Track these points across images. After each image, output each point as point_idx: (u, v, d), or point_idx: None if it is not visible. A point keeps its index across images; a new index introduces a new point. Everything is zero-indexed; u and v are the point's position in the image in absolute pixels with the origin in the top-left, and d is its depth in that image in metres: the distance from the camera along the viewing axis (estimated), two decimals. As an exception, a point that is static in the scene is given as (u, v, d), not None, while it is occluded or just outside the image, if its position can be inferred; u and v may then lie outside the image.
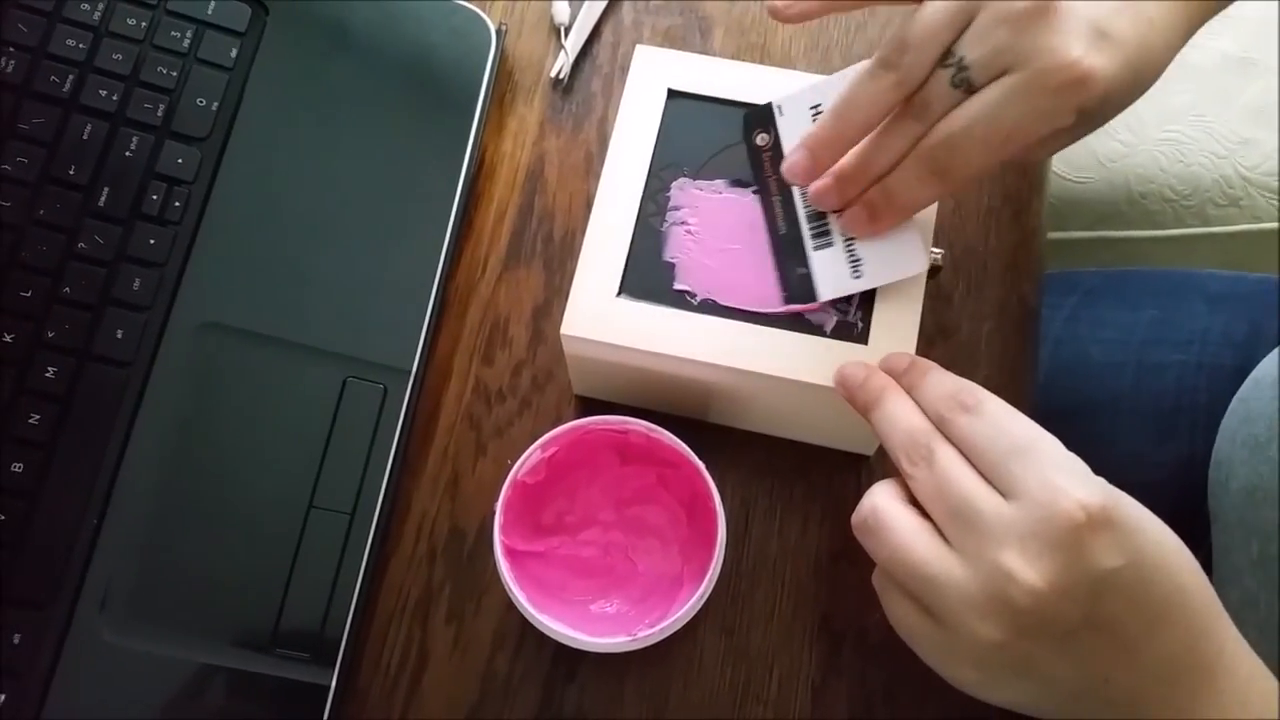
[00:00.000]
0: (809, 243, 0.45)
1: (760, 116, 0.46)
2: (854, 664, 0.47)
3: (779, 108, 0.46)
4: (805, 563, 0.48)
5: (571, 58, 0.55)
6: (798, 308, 0.45)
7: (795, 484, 0.49)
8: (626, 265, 0.45)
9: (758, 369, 0.44)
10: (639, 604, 0.46)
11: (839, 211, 0.44)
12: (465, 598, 0.48)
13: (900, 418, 0.40)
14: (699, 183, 0.47)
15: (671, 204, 0.47)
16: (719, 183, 0.47)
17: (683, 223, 0.46)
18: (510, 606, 0.45)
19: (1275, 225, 0.84)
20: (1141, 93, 0.44)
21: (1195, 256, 0.85)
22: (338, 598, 0.46)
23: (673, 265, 0.46)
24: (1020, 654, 0.36)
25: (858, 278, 0.44)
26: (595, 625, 0.44)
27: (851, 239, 0.45)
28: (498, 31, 0.54)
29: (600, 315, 0.44)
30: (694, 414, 0.49)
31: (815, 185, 0.44)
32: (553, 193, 0.54)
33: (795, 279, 0.45)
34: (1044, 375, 0.66)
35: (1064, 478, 0.36)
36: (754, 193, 0.47)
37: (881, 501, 0.39)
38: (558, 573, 0.46)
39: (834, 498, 0.49)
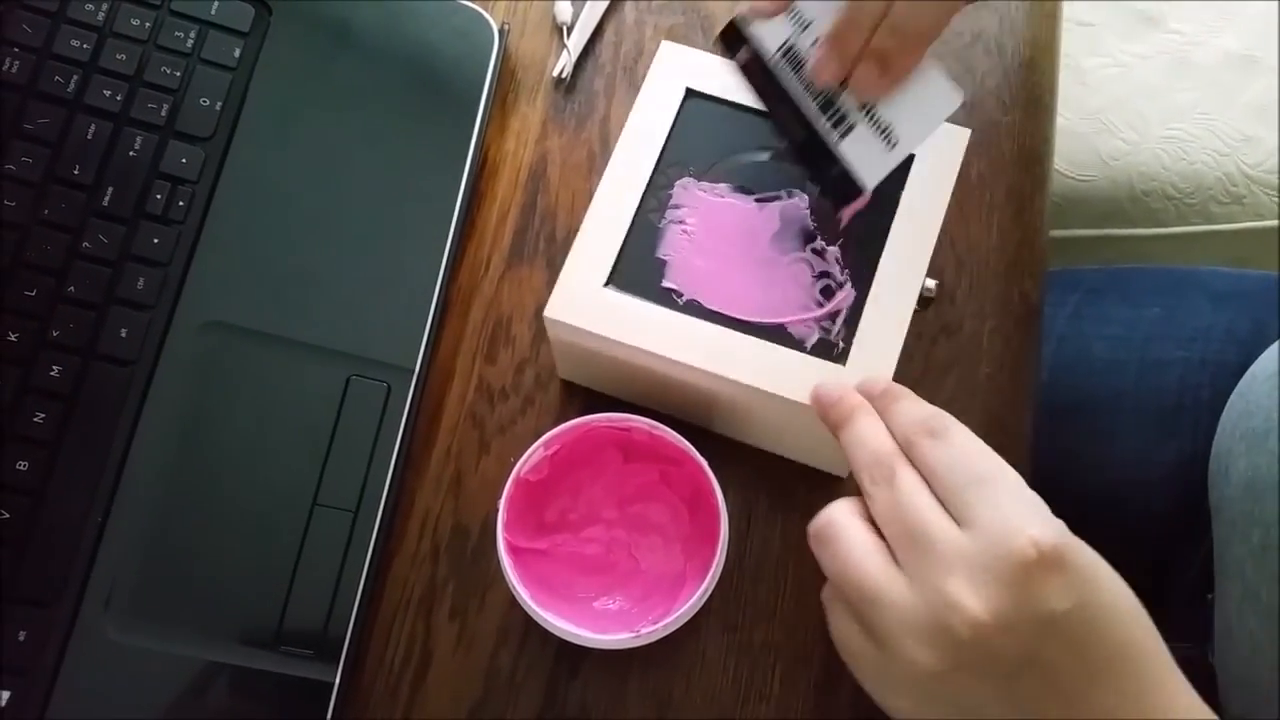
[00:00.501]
0: (832, 137, 0.43)
1: (731, 37, 0.45)
2: (857, 661, 0.47)
3: (743, 19, 0.44)
4: (808, 560, 0.48)
5: (574, 57, 0.56)
6: (849, 209, 0.44)
7: (798, 481, 0.49)
8: (618, 256, 0.46)
9: (730, 375, 0.43)
10: (642, 601, 0.46)
11: (845, 84, 0.42)
12: (469, 595, 0.48)
13: (868, 437, 0.40)
14: (703, 184, 0.47)
15: (673, 202, 0.47)
16: (723, 186, 0.47)
17: (680, 222, 0.47)
18: (513, 604, 0.46)
19: (1278, 223, 0.84)
20: None
21: (1198, 254, 0.85)
22: (341, 595, 0.46)
23: (664, 262, 0.46)
24: (956, 687, 0.36)
25: (894, 146, 0.42)
26: (598, 622, 0.44)
27: (872, 109, 0.42)
28: (500, 31, 0.54)
29: (584, 302, 0.45)
30: (670, 412, 0.48)
31: (814, 60, 0.42)
32: (555, 192, 0.54)
33: (833, 183, 0.44)
34: (1047, 372, 0.66)
35: (1021, 513, 0.35)
36: (756, 202, 0.47)
37: (838, 514, 0.39)
38: (561, 570, 0.46)
39: (835, 495, 0.49)
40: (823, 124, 0.43)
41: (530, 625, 0.46)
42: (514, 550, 0.44)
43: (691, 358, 0.44)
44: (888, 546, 0.37)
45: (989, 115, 0.56)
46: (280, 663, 0.45)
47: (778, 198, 0.47)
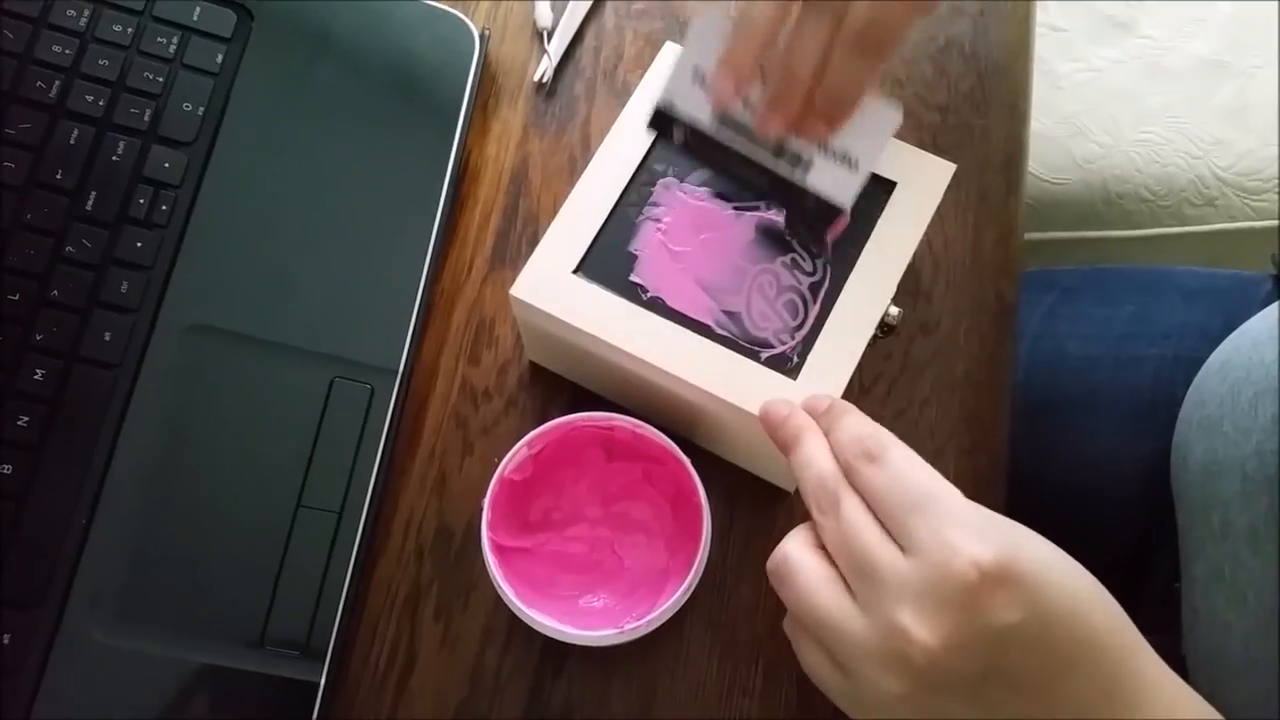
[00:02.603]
0: (795, 174, 0.44)
1: (661, 120, 0.45)
2: (838, 655, 0.47)
3: (669, 104, 0.45)
4: (789, 556, 0.49)
5: (554, 62, 0.56)
6: (837, 228, 0.44)
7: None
8: (591, 245, 0.46)
9: (681, 375, 0.44)
10: (626, 598, 0.46)
11: (794, 134, 0.43)
12: (453, 595, 0.48)
13: (814, 460, 0.40)
14: (685, 186, 0.48)
15: (652, 199, 0.47)
16: (703, 191, 0.48)
17: (657, 220, 0.47)
18: (498, 603, 0.46)
19: (1249, 224, 0.85)
20: None
21: (1172, 255, 0.86)
22: (326, 596, 0.46)
23: (635, 257, 0.46)
24: (926, 705, 0.36)
25: (856, 168, 0.43)
26: (583, 620, 0.44)
27: (823, 145, 0.44)
28: (481, 36, 0.54)
29: (550, 286, 0.45)
30: (629, 406, 0.49)
31: (757, 118, 0.43)
32: (537, 195, 0.54)
33: (812, 211, 0.44)
34: (1023, 370, 0.67)
35: (958, 534, 0.35)
36: (734, 208, 0.48)
37: (792, 549, 0.39)
38: (545, 569, 0.47)
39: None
40: (782, 167, 0.44)
41: (515, 624, 0.46)
42: (499, 549, 0.44)
43: (646, 353, 0.44)
44: (842, 576, 0.38)
45: (963, 119, 0.56)
46: (265, 663, 0.45)
47: (755, 208, 0.48)
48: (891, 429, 0.39)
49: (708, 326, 0.45)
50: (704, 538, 0.44)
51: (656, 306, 0.45)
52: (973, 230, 0.54)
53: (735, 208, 0.48)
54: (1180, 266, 0.72)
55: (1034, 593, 0.35)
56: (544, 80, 0.56)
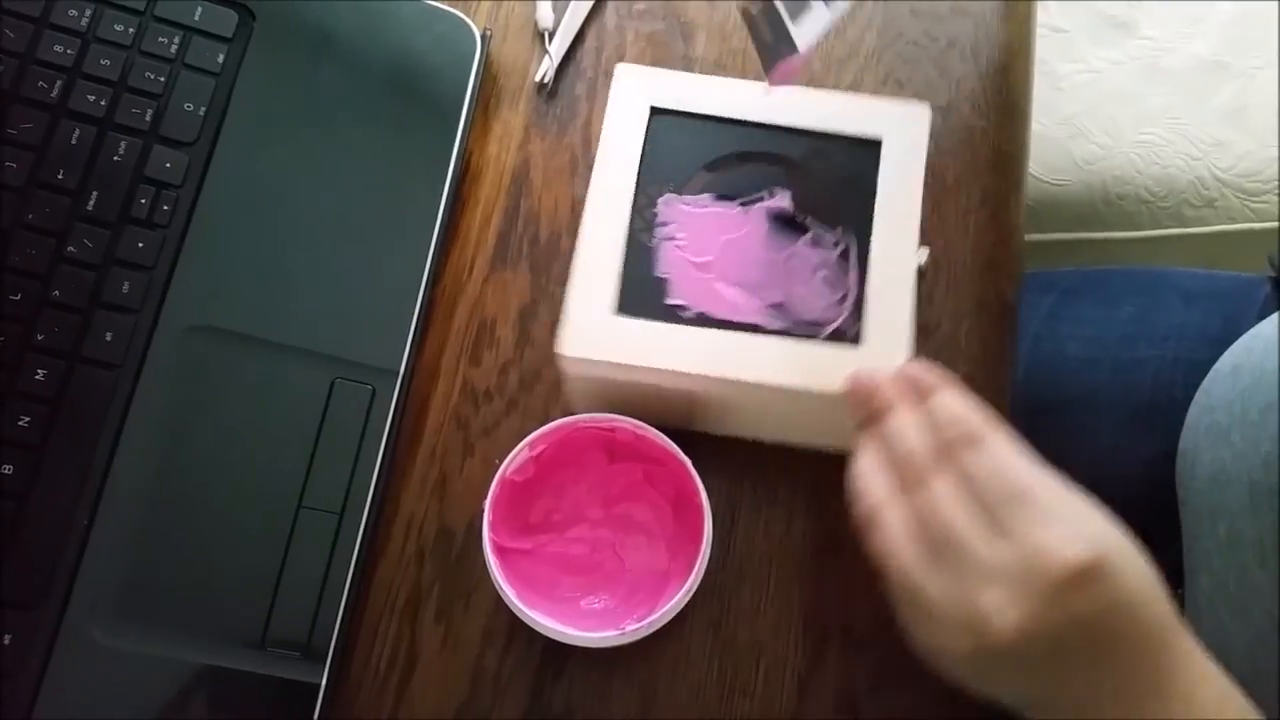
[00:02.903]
0: (791, 19, 0.44)
1: None
2: (839, 657, 0.47)
3: None
4: (790, 558, 0.49)
5: (555, 62, 0.56)
6: (782, 68, 0.44)
7: (780, 480, 0.50)
8: (621, 283, 0.46)
9: (756, 379, 0.44)
10: (627, 600, 0.46)
11: None
12: (454, 596, 0.48)
13: (904, 437, 0.40)
14: (685, 198, 0.48)
15: (660, 219, 0.47)
16: (705, 197, 0.48)
17: (671, 238, 0.47)
18: (499, 605, 0.46)
19: (1248, 225, 0.85)
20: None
21: (1171, 256, 0.86)
22: (327, 597, 0.46)
23: (664, 280, 0.46)
24: (984, 666, 0.38)
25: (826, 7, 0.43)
26: (584, 621, 0.44)
27: None
28: (482, 37, 0.55)
29: (597, 333, 0.45)
30: (694, 425, 0.49)
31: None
32: (538, 195, 0.54)
33: (775, 49, 0.44)
34: (1023, 371, 0.67)
35: (1056, 531, 0.36)
36: (740, 205, 0.48)
37: (882, 496, 0.40)
38: (546, 570, 0.47)
39: (818, 494, 0.49)
40: (785, 9, 0.44)
41: (516, 626, 0.46)
42: (500, 550, 0.44)
43: (714, 369, 0.44)
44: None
45: (964, 119, 0.56)
46: (266, 664, 0.45)
47: (760, 199, 0.48)
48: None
49: (759, 325, 0.45)
50: (705, 539, 0.44)
51: (703, 321, 0.45)
52: (973, 232, 0.54)
53: (741, 204, 0.48)
54: (1180, 268, 0.72)
55: (1115, 590, 0.36)
56: (545, 81, 0.56)
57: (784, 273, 0.47)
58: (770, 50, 0.45)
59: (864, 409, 0.42)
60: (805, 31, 0.44)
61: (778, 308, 0.46)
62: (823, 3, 0.43)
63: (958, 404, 0.40)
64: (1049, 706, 0.38)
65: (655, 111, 0.49)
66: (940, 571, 0.38)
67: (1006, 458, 0.39)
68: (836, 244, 0.47)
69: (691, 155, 0.48)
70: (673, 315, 0.45)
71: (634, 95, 0.49)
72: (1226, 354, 0.53)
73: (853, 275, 0.46)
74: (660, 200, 0.48)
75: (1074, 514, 0.38)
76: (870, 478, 0.41)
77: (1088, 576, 0.36)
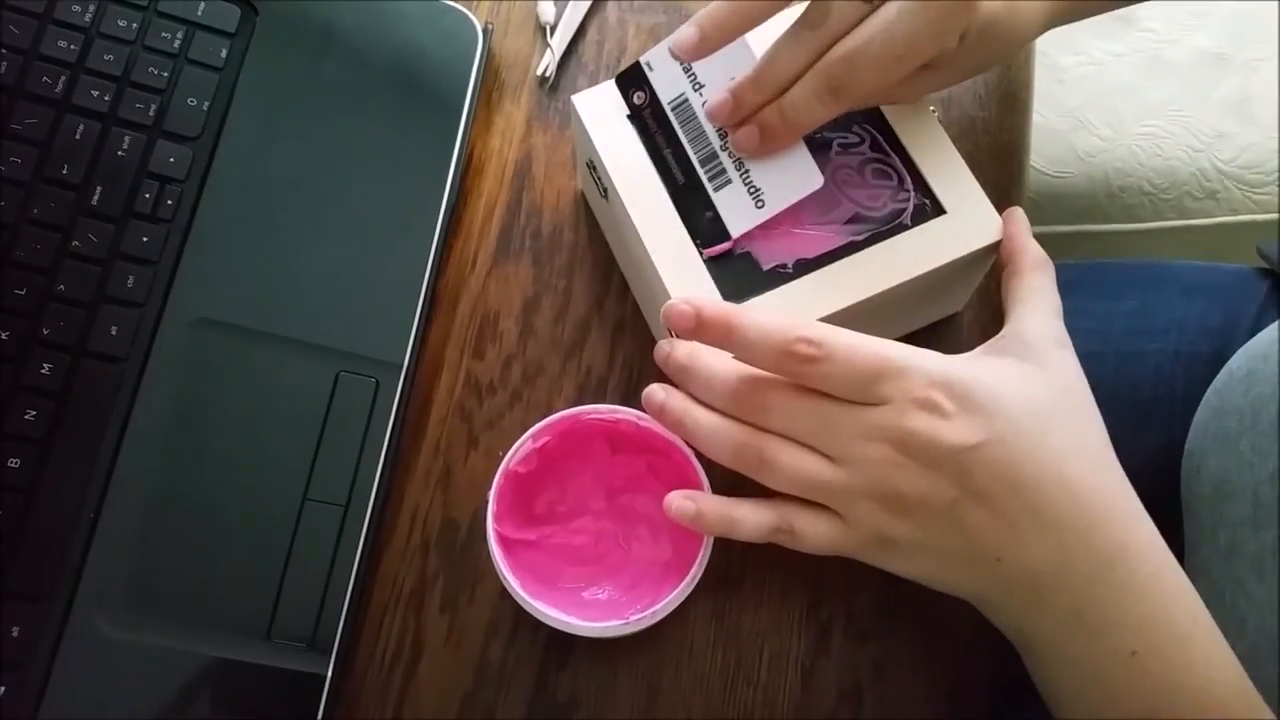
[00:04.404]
0: (709, 186, 0.46)
1: (632, 77, 0.47)
2: (842, 645, 0.47)
3: (648, 64, 0.47)
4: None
5: (557, 56, 0.56)
6: (714, 250, 0.46)
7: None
8: (713, 276, 0.46)
9: (898, 279, 0.45)
10: (630, 590, 0.46)
11: (730, 134, 0.46)
12: (459, 588, 0.48)
13: (719, 437, 0.43)
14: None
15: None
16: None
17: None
18: (503, 596, 0.46)
19: (1250, 218, 0.85)
20: (1006, 50, 0.47)
21: (1173, 249, 0.86)
22: (333, 589, 0.46)
23: (749, 253, 0.46)
24: (918, 529, 0.40)
25: (760, 207, 0.45)
26: (588, 612, 0.44)
27: (747, 171, 0.46)
28: (484, 30, 0.55)
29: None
30: None
31: (713, 99, 0.45)
32: (540, 189, 0.55)
33: (705, 224, 0.46)
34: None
35: (918, 376, 0.39)
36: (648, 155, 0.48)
37: (752, 440, 0.42)
38: (550, 561, 0.47)
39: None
40: (703, 174, 0.46)
41: (520, 617, 0.46)
42: (504, 542, 0.44)
43: (856, 296, 0.45)
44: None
45: (966, 110, 0.57)
46: (272, 656, 0.45)
47: None
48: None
49: (852, 242, 0.46)
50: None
51: (804, 269, 0.46)
52: (975, 224, 0.54)
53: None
54: (1181, 261, 0.72)
55: (990, 419, 0.39)
56: (547, 75, 0.56)
57: (839, 188, 0.47)
58: (703, 227, 0.46)
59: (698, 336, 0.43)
60: (734, 219, 0.46)
61: (856, 220, 0.46)
62: (747, 197, 0.46)
63: (772, 329, 0.41)
64: (994, 581, 0.41)
65: (633, 115, 0.48)
66: (832, 463, 0.41)
67: (849, 351, 0.40)
68: (861, 139, 0.47)
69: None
70: (778, 278, 0.46)
71: (604, 117, 0.48)
72: (1240, 354, 0.53)
73: (896, 160, 0.47)
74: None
75: (943, 361, 0.41)
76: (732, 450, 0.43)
77: (954, 401, 0.39)
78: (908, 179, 0.47)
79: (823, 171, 0.47)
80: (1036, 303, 0.44)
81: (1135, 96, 0.87)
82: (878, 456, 0.40)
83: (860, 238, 0.46)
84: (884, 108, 0.48)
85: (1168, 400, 0.63)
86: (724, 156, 0.46)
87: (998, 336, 0.44)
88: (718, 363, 0.43)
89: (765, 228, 0.46)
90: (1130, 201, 0.86)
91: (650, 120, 0.47)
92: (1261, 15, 0.90)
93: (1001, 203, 0.55)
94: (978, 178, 0.55)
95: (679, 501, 0.43)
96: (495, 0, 0.58)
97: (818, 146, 0.47)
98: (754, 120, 0.45)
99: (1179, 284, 0.68)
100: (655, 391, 0.44)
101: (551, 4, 0.57)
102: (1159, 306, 0.67)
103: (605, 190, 0.48)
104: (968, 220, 0.46)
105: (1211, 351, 0.62)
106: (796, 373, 0.41)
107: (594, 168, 0.48)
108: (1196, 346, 0.63)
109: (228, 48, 0.52)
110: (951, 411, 0.39)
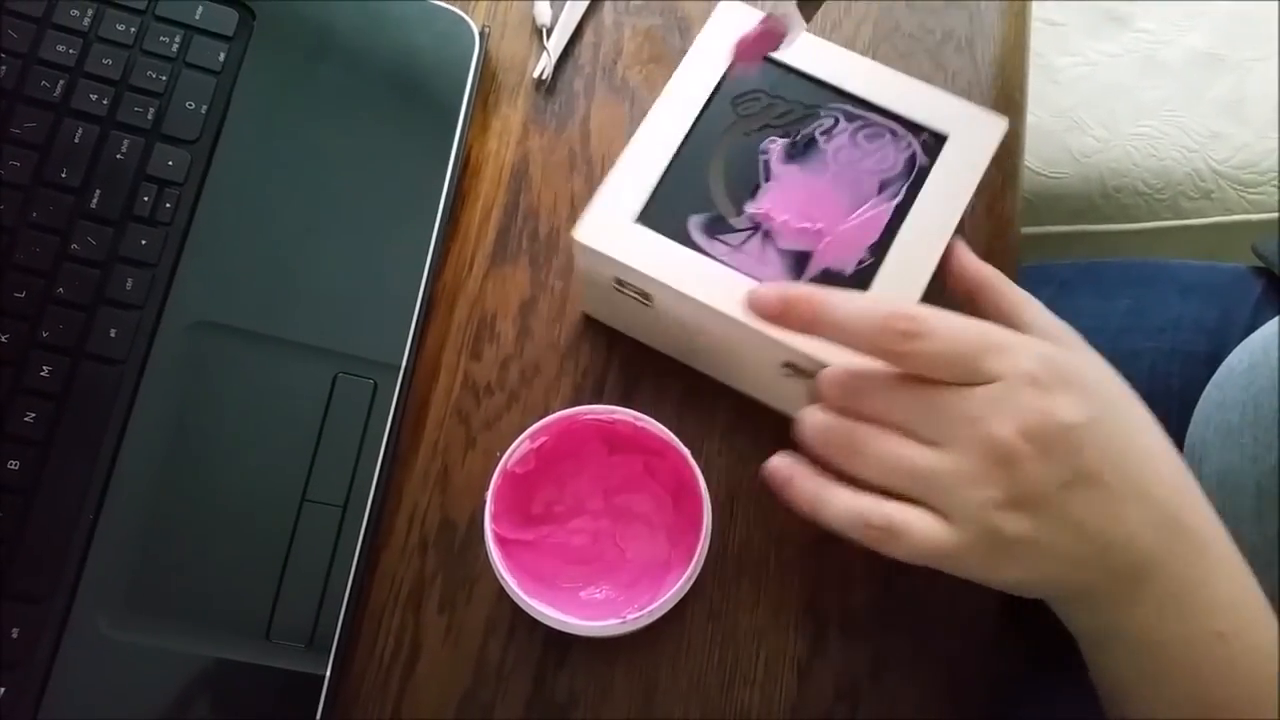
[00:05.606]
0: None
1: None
2: (839, 644, 0.48)
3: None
4: (790, 546, 0.49)
5: (554, 58, 0.56)
6: (752, 32, 0.45)
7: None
8: (651, 196, 0.47)
9: (969, 193, 0.46)
10: (628, 589, 0.47)
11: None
12: (457, 587, 0.48)
13: (816, 426, 0.41)
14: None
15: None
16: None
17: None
18: (501, 595, 0.46)
19: (1245, 217, 0.86)
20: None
21: (1168, 249, 0.87)
22: (331, 589, 0.46)
23: (827, 269, 0.46)
24: (1028, 515, 0.37)
25: None
26: (585, 611, 0.45)
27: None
28: (481, 33, 0.55)
29: (615, 233, 0.46)
30: (690, 361, 0.50)
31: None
32: (537, 191, 0.55)
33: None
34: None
35: (1020, 354, 0.38)
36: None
37: (842, 426, 0.40)
38: (548, 561, 0.47)
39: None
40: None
41: (518, 616, 0.46)
42: (502, 541, 0.45)
43: (945, 232, 0.46)
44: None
45: (961, 112, 0.57)
46: (271, 656, 0.45)
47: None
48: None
49: (899, 204, 0.47)
50: (704, 529, 0.44)
51: (881, 250, 0.46)
52: (970, 224, 0.55)
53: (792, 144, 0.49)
54: (1176, 260, 0.72)
55: (1089, 397, 0.38)
56: (544, 77, 0.56)
57: (849, 168, 0.48)
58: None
59: (781, 321, 0.41)
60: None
61: (885, 186, 0.47)
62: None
63: (868, 308, 0.39)
64: (1096, 572, 0.39)
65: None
66: (938, 449, 0.38)
67: (949, 329, 0.39)
68: (835, 118, 0.48)
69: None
70: (870, 271, 0.46)
71: (730, 28, 0.49)
72: (1240, 348, 0.53)
73: (873, 115, 0.48)
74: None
75: (1039, 343, 0.39)
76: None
77: (1058, 382, 0.38)
78: (897, 126, 0.48)
79: (824, 163, 0.48)
80: (1035, 305, 0.44)
81: (1130, 97, 0.88)
82: (995, 434, 0.37)
83: (901, 197, 0.47)
84: (828, 73, 0.48)
85: (1164, 399, 0.63)
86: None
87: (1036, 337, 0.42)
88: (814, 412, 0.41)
89: (819, 238, 0.47)
90: (1125, 201, 0.86)
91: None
92: (1256, 16, 0.90)
93: (997, 202, 0.55)
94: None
95: (777, 461, 0.41)
96: (492, 2, 0.58)
97: (805, 146, 0.48)
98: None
99: (1174, 283, 0.68)
100: (768, 293, 0.41)
101: (548, 6, 0.57)
102: (1154, 305, 0.67)
103: (647, 297, 0.47)
104: (970, 128, 0.47)
105: (1207, 350, 0.63)
106: (896, 351, 0.38)
107: (624, 284, 0.47)
108: (1192, 345, 0.64)
109: (225, 51, 0.52)
110: (1059, 389, 0.37)
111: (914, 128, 0.48)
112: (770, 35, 0.45)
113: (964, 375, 0.38)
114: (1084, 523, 0.37)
